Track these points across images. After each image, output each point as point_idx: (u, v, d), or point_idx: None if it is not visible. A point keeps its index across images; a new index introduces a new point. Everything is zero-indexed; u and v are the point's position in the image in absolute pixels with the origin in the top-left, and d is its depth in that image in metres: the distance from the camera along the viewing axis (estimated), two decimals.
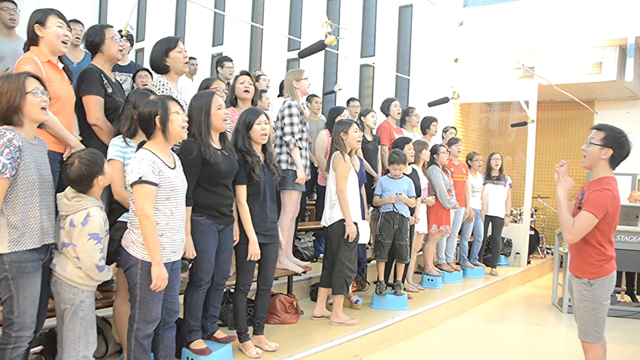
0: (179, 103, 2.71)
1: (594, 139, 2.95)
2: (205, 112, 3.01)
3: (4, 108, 2.28)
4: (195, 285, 3.09)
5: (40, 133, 2.63)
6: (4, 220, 2.26)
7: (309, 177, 4.70)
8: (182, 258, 2.87)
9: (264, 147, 3.49)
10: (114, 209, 2.85)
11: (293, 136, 4.33)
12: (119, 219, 2.80)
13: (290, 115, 4.36)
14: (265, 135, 3.40)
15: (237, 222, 3.33)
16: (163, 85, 3.32)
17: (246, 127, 3.37)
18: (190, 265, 3.05)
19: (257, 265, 3.52)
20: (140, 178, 2.47)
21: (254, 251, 3.32)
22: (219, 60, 6.44)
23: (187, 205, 2.84)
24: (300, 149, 4.39)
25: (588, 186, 3.00)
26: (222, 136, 3.15)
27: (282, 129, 4.41)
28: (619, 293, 6.21)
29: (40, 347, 2.85)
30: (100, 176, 2.54)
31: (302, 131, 4.45)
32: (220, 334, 3.34)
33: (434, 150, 5.93)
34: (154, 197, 2.53)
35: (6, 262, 2.26)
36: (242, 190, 3.31)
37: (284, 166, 4.37)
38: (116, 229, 2.74)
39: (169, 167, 2.63)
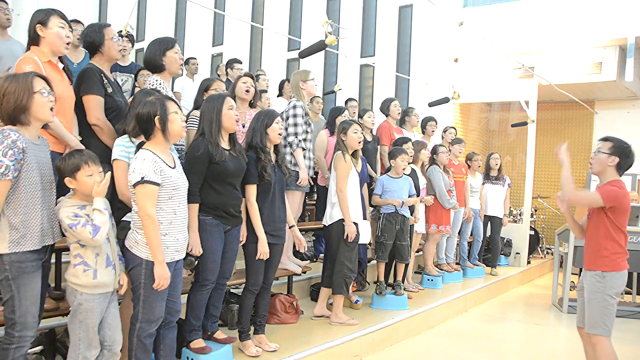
0: (177, 103, 2.71)
1: (602, 148, 3.22)
2: (217, 111, 3.05)
3: (11, 107, 2.28)
4: (201, 284, 3.11)
5: (41, 133, 2.62)
6: (4, 221, 2.26)
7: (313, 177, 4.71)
8: (189, 255, 2.87)
9: (276, 149, 3.53)
10: (119, 208, 2.84)
11: (296, 137, 4.34)
12: (123, 219, 2.79)
13: (295, 115, 4.38)
14: (281, 134, 3.48)
15: (245, 223, 3.33)
16: (160, 84, 3.30)
17: (265, 126, 3.42)
18: (197, 262, 3.05)
19: None
20: (142, 178, 2.48)
21: (263, 249, 3.32)
22: (229, 62, 6.44)
23: (193, 202, 2.87)
24: (303, 149, 4.40)
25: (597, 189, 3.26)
26: (232, 138, 3.18)
27: (287, 129, 4.42)
28: (629, 294, 6.15)
29: (40, 347, 2.84)
30: (69, 178, 2.46)
31: (307, 132, 4.46)
32: (220, 334, 3.34)
33: (434, 150, 5.94)
34: (156, 197, 2.53)
35: (6, 263, 2.25)
36: (252, 190, 3.33)
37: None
38: (120, 229, 2.73)
39: (170, 166, 2.63)
